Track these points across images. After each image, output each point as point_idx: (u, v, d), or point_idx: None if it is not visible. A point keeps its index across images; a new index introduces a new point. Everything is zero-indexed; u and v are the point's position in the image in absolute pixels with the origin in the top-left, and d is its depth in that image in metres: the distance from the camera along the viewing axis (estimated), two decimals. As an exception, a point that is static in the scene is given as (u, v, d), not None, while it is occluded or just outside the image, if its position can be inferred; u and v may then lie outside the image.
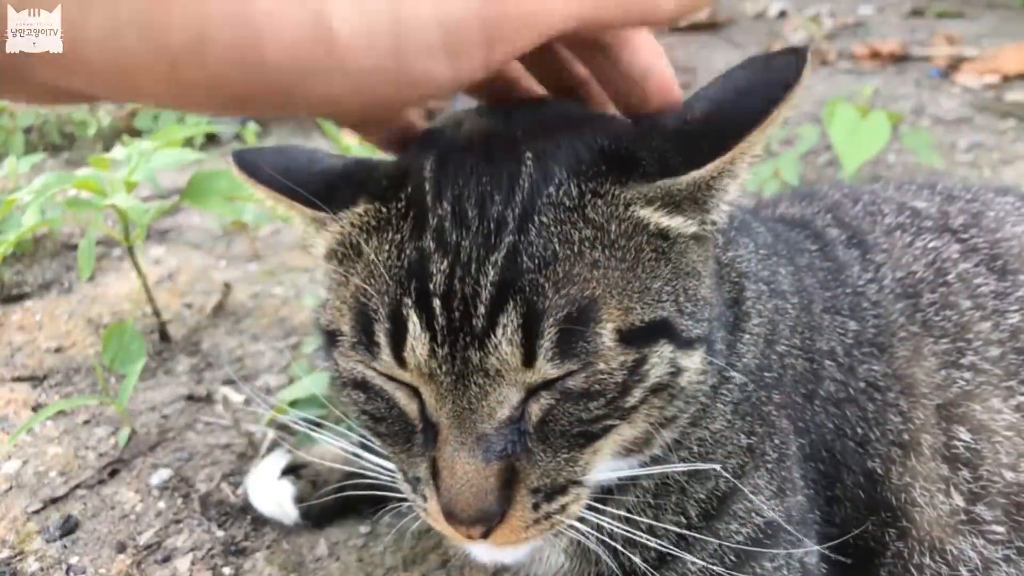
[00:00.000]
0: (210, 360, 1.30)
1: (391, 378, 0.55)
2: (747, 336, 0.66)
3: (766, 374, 0.68)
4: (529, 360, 0.49)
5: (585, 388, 0.52)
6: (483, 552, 0.62)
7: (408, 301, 0.50)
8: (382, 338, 0.52)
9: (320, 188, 0.56)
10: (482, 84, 0.53)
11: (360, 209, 0.55)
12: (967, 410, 0.71)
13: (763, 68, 0.52)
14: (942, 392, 0.71)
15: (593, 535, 0.60)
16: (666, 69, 0.53)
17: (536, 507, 0.54)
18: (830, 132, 1.63)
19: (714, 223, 0.56)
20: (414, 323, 0.50)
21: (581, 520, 0.58)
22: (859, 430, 0.71)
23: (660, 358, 0.53)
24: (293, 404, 1.06)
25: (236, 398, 1.19)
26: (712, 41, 3.33)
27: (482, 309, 0.49)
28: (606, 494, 0.62)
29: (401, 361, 0.51)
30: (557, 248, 0.50)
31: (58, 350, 1.34)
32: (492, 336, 0.49)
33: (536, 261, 0.49)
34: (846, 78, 2.72)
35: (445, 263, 0.50)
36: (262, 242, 1.72)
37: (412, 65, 0.35)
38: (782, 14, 3.91)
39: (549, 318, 0.49)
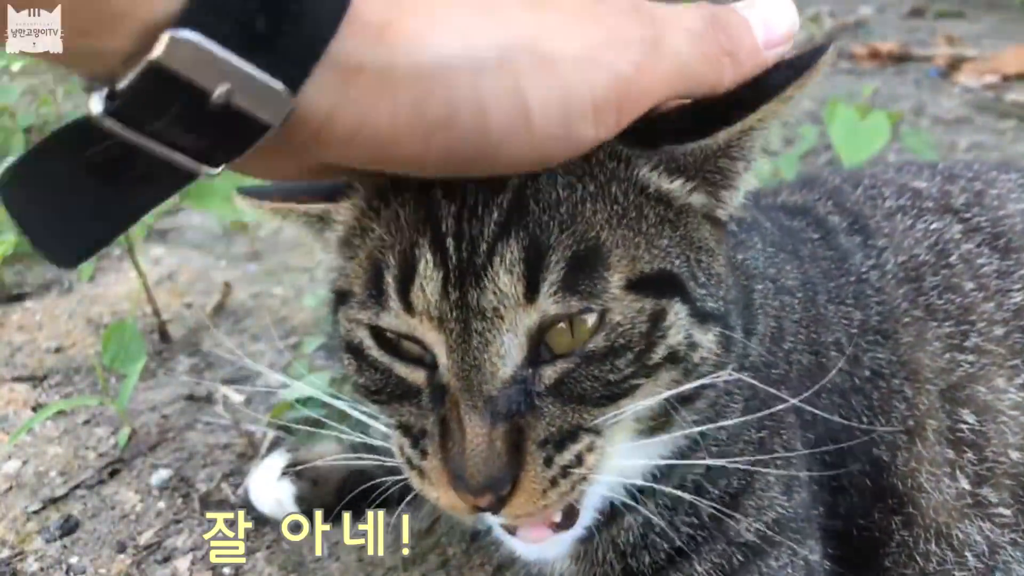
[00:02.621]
0: (210, 360, 1.30)
1: (396, 351, 0.55)
2: (755, 337, 0.66)
3: (773, 371, 0.68)
4: (531, 293, 0.49)
5: (608, 346, 0.51)
6: (526, 549, 0.62)
7: (423, 242, 0.51)
8: (390, 283, 0.51)
9: (327, 188, 0.59)
10: None
11: (372, 182, 0.56)
12: (972, 392, 0.70)
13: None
14: (946, 376, 0.71)
15: (619, 500, 0.60)
16: None
17: (548, 461, 0.51)
18: (830, 132, 1.63)
19: (726, 204, 0.56)
20: (425, 262, 0.50)
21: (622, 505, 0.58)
22: (864, 419, 0.71)
23: (677, 317, 0.53)
24: (295, 403, 1.06)
25: (236, 398, 1.19)
26: (712, 41, 3.32)
27: (484, 247, 0.49)
28: (638, 492, 0.62)
29: (408, 305, 0.51)
30: (562, 193, 0.51)
31: (58, 350, 1.34)
32: (490, 267, 0.49)
33: (542, 205, 0.50)
34: (846, 78, 2.71)
35: (452, 207, 0.50)
36: (262, 242, 1.71)
37: (573, 131, 0.45)
38: (782, 14, 3.91)
39: (555, 253, 0.49)
